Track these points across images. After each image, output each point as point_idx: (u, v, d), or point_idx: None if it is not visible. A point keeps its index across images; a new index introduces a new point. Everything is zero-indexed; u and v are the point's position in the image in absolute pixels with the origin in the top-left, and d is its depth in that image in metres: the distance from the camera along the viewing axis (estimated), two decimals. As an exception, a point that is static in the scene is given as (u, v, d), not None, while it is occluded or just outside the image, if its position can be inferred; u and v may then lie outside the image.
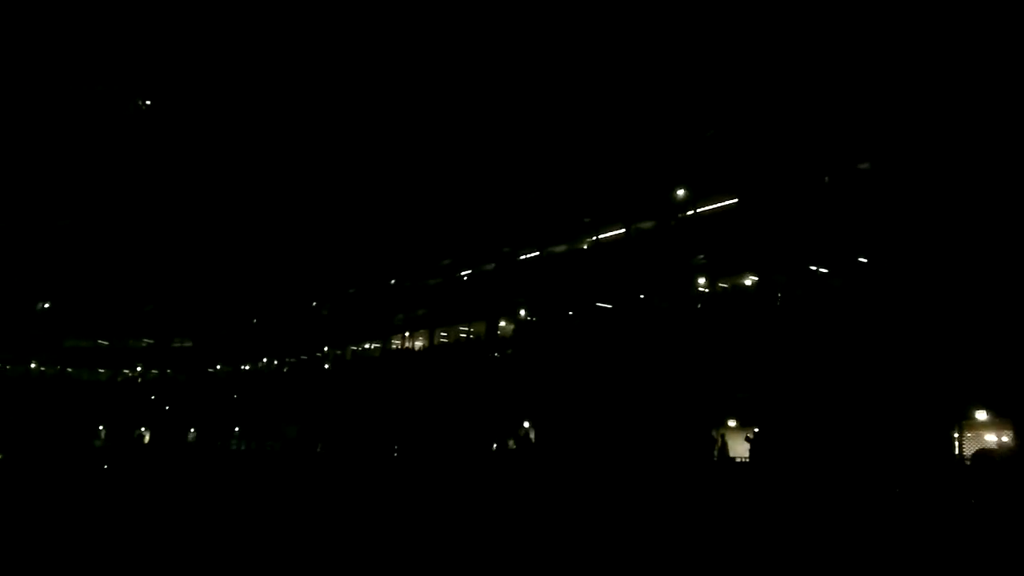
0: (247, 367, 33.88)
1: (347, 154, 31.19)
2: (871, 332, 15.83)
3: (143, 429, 31.02)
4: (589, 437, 20.86)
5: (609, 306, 24.04)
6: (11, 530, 15.67)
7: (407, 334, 32.55)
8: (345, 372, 32.95)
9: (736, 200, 20.94)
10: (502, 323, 28.55)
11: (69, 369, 30.43)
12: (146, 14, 26.54)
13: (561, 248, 26.45)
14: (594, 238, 25.37)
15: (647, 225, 23.97)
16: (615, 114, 25.34)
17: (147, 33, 26.73)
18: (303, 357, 33.81)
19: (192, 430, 31.38)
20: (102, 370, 31.41)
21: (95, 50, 26.78)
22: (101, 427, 30.29)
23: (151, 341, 32.08)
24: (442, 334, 31.44)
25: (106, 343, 31.24)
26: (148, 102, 29.14)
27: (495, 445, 24.24)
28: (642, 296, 23.16)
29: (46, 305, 28.95)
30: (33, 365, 29.83)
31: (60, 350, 30.27)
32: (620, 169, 24.82)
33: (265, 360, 33.71)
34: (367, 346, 33.66)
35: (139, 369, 32.18)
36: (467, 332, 30.89)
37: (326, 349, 33.89)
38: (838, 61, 18.60)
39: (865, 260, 16.93)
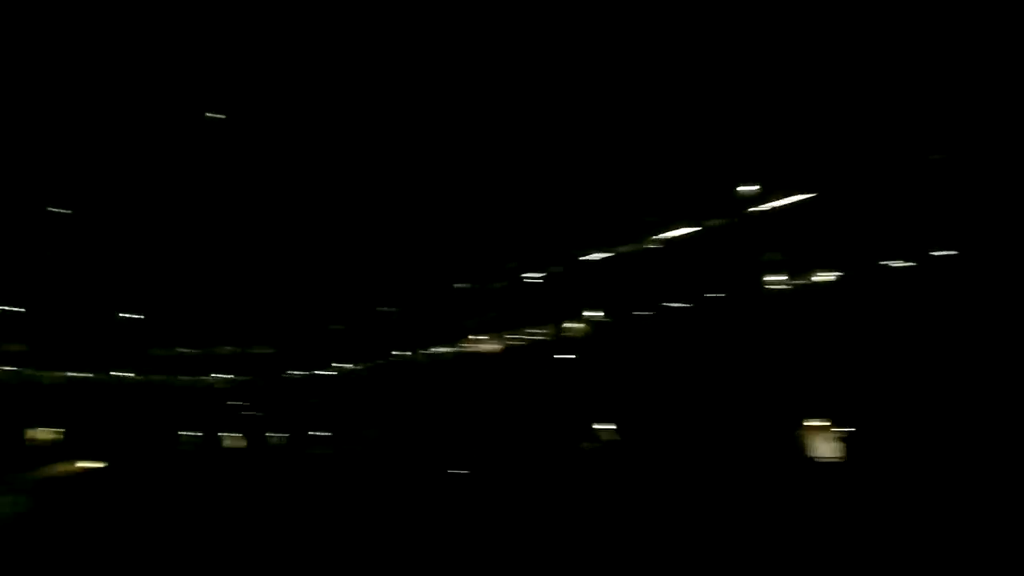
0: (323, 372, 34.79)
1: (412, 158, 31.69)
2: (965, 327, 15.62)
3: (229, 433, 32.09)
4: (668, 438, 20.92)
5: (682, 305, 24.05)
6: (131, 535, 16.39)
7: (477, 337, 33.00)
8: (418, 375, 33.57)
9: (812, 195, 20.79)
10: (571, 324, 28.74)
11: (156, 377, 31.62)
12: (220, 27, 27.31)
13: (628, 248, 26.51)
14: (662, 236, 25.39)
15: (717, 222, 23.88)
16: (679, 108, 25.25)
17: (222, 45, 27.52)
18: (378, 361, 34.52)
19: (276, 434, 32.33)
20: (186, 377, 32.56)
21: (182, 67, 27.69)
22: (187, 432, 31.38)
23: (234, 349, 33.13)
24: (512, 336, 31.75)
25: (190, 351, 32.41)
26: (222, 116, 29.95)
27: (569, 446, 24.43)
28: (716, 294, 23.13)
29: (134, 316, 30.07)
30: (125, 374, 31.04)
31: (146, 358, 31.52)
32: (687, 165, 24.76)
33: (342, 364, 34.54)
34: (438, 350, 34.22)
35: (221, 376, 33.29)
36: (536, 334, 31.14)
37: (398, 353, 34.57)
38: (913, 48, 18.34)
39: (956, 253, 16.69)
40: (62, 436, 28.97)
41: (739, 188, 22.95)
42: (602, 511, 16.71)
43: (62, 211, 29.29)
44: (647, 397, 22.89)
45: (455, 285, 33.26)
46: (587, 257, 27.60)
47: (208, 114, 29.59)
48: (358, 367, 35.11)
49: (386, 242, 32.67)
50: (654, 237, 25.98)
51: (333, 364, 35.37)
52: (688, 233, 24.79)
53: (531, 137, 28.63)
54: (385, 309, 34.46)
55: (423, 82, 29.43)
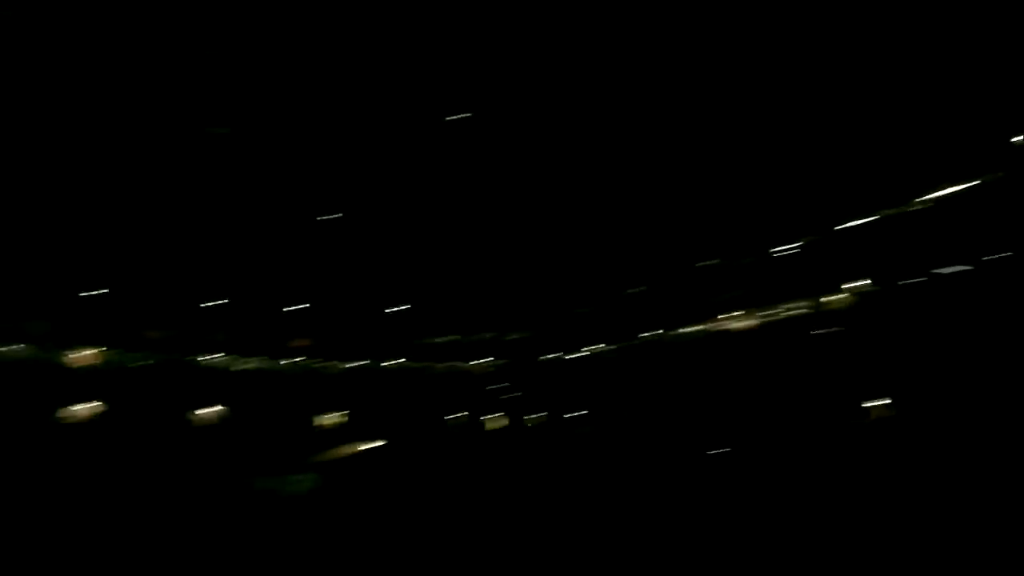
0: (574, 355, 35.49)
1: (651, 134, 31.39)
2: None
3: (490, 415, 33.66)
4: (951, 414, 19.32)
5: (958, 268, 22.15)
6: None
7: (729, 315, 32.14)
8: (668, 356, 33.29)
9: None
10: (832, 297, 27.33)
11: (422, 364, 33.84)
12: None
13: (892, 211, 24.72)
14: (930, 196, 23.50)
15: (993, 176, 21.78)
16: (942, 52, 23.10)
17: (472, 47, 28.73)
18: (627, 343, 34.65)
19: (534, 415, 33.52)
20: (446, 364, 34.53)
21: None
22: (452, 415, 33.27)
23: (491, 334, 34.68)
24: (766, 313, 30.68)
25: (451, 338, 34.34)
26: (468, 114, 31.24)
27: (838, 425, 23.24)
28: (997, 255, 21.08)
29: (401, 307, 32.37)
30: (396, 361, 33.52)
31: (413, 347, 33.81)
32: (954, 115, 22.70)
33: (592, 347, 35.08)
34: (687, 329, 33.70)
35: (480, 361, 34.98)
36: (793, 309, 29.86)
37: (647, 334, 34.44)
38: None
39: None
40: (345, 420, 31.73)
41: (1017, 137, 20.80)
42: (882, 494, 15.71)
43: (333, 216, 31.96)
44: (924, 371, 21.24)
45: (701, 263, 32.60)
46: (846, 225, 26.01)
47: (450, 117, 31.14)
48: (607, 349, 35.45)
49: (629, 222, 32.73)
50: (921, 198, 24.05)
51: (583, 348, 35.95)
52: (960, 190, 22.73)
53: (777, 97, 27.36)
54: (632, 290, 34.54)
55: (673, 61, 29.11)
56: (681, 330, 34.02)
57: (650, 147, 30.90)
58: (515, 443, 31.97)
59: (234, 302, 31.64)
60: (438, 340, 34.28)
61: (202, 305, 31.12)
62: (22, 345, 27.84)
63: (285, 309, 32.27)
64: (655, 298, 34.61)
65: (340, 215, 31.87)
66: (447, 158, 32.07)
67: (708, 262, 32.34)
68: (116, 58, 26.76)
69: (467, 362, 34.81)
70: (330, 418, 31.87)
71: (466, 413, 33.27)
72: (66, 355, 28.45)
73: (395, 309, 33.09)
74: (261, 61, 28.71)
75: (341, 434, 31.11)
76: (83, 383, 28.01)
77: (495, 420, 33.64)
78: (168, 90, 27.98)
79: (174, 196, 30.20)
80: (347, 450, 29.98)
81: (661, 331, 34.02)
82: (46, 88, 26.35)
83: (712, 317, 32.88)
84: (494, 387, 34.40)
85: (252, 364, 32.33)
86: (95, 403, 27.84)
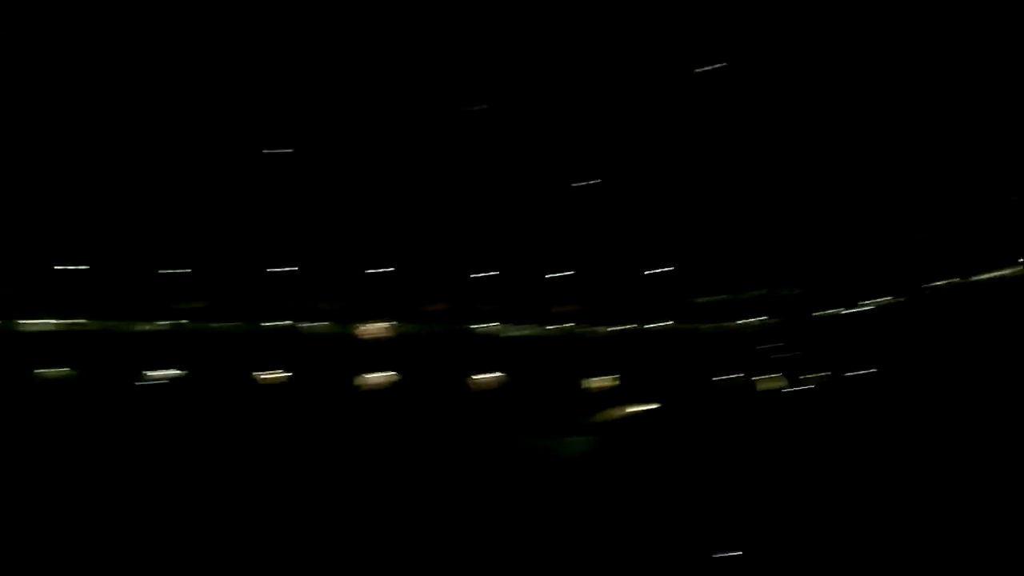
0: (852, 310, 33.27)
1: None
2: None
3: (763, 376, 32.58)
4: None
5: None
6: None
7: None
8: (962, 307, 30.36)
9: None
10: None
11: (690, 325, 33.46)
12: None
13: None
14: None
15: None
16: None
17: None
18: (914, 293, 31.99)
19: (813, 375, 32.04)
20: (711, 324, 33.82)
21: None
22: (723, 376, 32.57)
23: (764, 291, 33.59)
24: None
25: (722, 296, 33.64)
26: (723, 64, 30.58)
27: None
28: None
29: (666, 268, 32.37)
30: (663, 323, 33.48)
31: (678, 307, 33.48)
32: None
33: (875, 300, 32.74)
34: (990, 275, 30.33)
35: (750, 320, 33.89)
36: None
37: (940, 283, 31.48)
38: None
39: None
40: (616, 383, 32.11)
41: None
42: None
43: (592, 182, 32.55)
44: None
45: (1004, 198, 29.15)
46: None
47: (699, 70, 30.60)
48: (893, 301, 32.80)
49: (912, 158, 30.10)
50: None
51: (863, 302, 33.61)
52: None
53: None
54: (918, 235, 31.69)
55: None
56: (978, 277, 30.67)
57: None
58: (791, 404, 30.65)
59: (502, 272, 33.08)
60: (705, 300, 33.58)
61: (473, 277, 32.83)
62: (324, 322, 31.05)
63: (549, 276, 33.18)
64: (946, 242, 31.36)
65: (599, 180, 32.26)
66: (700, 116, 31.52)
67: (1012, 197, 28.90)
68: (382, 49, 28.99)
69: (736, 321, 33.76)
70: (600, 381, 32.40)
71: (740, 375, 32.35)
72: (359, 329, 31.31)
73: (658, 270, 32.89)
74: (514, 39, 29.75)
75: (612, 397, 31.52)
76: (375, 354, 30.66)
77: (768, 381, 32.37)
78: (426, 72, 29.86)
79: (443, 176, 32.15)
80: (619, 413, 30.34)
81: (956, 279, 30.81)
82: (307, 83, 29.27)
83: (1014, 261, 29.39)
84: (766, 347, 33.11)
85: (523, 331, 33.63)
86: (388, 372, 30.37)
